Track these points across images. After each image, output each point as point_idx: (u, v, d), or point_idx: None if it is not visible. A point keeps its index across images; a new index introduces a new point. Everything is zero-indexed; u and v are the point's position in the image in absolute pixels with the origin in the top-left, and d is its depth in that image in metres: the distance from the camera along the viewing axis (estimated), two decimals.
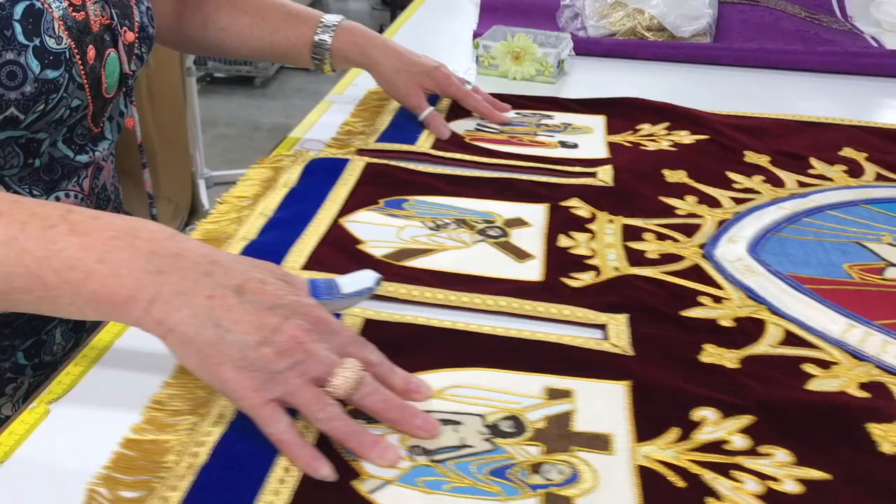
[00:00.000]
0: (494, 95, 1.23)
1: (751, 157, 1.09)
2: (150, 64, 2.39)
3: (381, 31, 1.37)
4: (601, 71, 1.46)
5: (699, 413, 0.63)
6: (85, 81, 0.75)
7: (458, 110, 1.19)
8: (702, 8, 1.56)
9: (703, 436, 0.61)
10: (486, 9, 1.77)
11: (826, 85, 1.42)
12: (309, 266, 0.78)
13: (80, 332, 0.88)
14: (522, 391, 0.65)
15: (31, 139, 0.73)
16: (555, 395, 0.65)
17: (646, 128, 1.17)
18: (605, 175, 1.01)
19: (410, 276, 0.78)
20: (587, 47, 1.51)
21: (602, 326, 0.73)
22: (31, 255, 0.53)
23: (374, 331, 0.70)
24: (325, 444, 0.57)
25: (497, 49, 1.36)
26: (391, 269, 0.80)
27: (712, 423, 0.62)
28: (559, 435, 0.61)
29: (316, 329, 0.56)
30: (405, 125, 1.12)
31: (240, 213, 0.89)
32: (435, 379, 0.65)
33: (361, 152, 1.04)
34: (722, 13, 1.69)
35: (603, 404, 0.64)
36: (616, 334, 0.72)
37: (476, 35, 1.51)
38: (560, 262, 0.83)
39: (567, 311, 0.75)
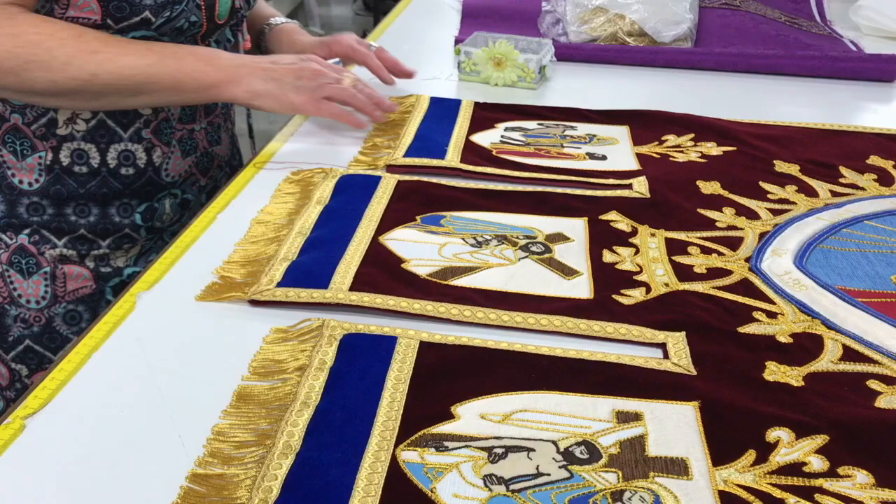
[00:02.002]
0: (478, 102, 1.24)
1: (780, 166, 1.08)
2: None
3: (363, 36, 1.37)
4: (583, 76, 1.45)
5: (773, 434, 0.62)
6: (202, 3, 0.98)
7: (480, 122, 1.17)
8: (682, 13, 1.55)
9: (780, 458, 0.60)
10: (468, 14, 1.75)
11: (806, 89, 1.42)
12: (355, 287, 0.76)
13: (185, 207, 1.08)
14: (590, 415, 0.63)
15: (158, 40, 0.96)
16: (624, 418, 0.63)
17: (671, 139, 1.16)
18: (640, 187, 1.00)
19: (459, 295, 0.77)
20: (568, 53, 1.50)
21: (660, 345, 0.72)
22: (171, 66, 0.94)
23: (430, 353, 0.68)
24: (400, 478, 0.56)
25: (478, 55, 1.35)
26: (438, 288, 0.78)
27: (787, 445, 0.61)
28: (635, 460, 0.59)
29: (322, 65, 1.04)
30: (430, 137, 1.10)
31: (277, 232, 0.86)
32: (500, 403, 0.64)
33: (391, 168, 1.02)
34: (702, 18, 1.68)
35: (674, 427, 0.62)
36: (676, 353, 0.71)
37: (458, 41, 1.50)
38: (608, 278, 0.81)
39: (623, 329, 0.73)
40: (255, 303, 0.75)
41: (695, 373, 0.68)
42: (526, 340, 0.72)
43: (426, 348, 0.69)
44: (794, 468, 0.59)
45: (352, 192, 0.95)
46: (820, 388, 0.68)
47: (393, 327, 0.71)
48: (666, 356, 0.70)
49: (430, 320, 0.74)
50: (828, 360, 0.71)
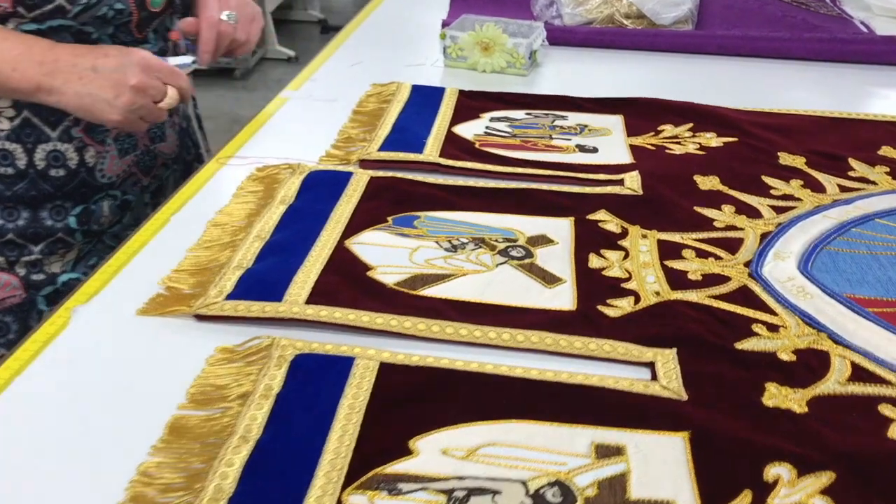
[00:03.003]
0: (465, 89, 1.16)
1: (785, 158, 1.00)
2: None
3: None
4: (577, 61, 1.36)
5: (772, 471, 0.55)
6: None
7: (464, 112, 1.10)
8: None
9: (779, 500, 0.53)
10: None
11: (814, 73, 1.34)
12: (313, 299, 0.69)
13: (126, 209, 1.00)
14: (567, 448, 0.56)
15: (81, 31, 0.89)
16: (604, 452, 0.56)
17: (668, 129, 1.08)
18: (632, 182, 0.92)
19: (428, 307, 0.70)
20: (562, 36, 1.42)
21: (649, 364, 0.65)
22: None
23: (390, 377, 0.61)
24: None
25: (465, 40, 1.27)
26: (406, 299, 0.71)
27: (788, 484, 0.54)
28: None
29: (146, 71, 0.85)
30: (409, 129, 1.03)
31: (234, 236, 0.79)
32: (466, 436, 0.57)
33: (364, 163, 0.94)
34: None
35: (660, 463, 0.55)
36: (666, 373, 0.64)
37: (445, 24, 1.40)
38: (593, 286, 0.74)
39: (608, 346, 0.66)
40: (201, 318, 0.68)
41: (685, 397, 0.61)
42: (499, 359, 0.65)
43: (386, 371, 0.62)
44: None
45: (319, 190, 0.88)
46: (825, 414, 0.61)
47: (351, 346, 0.64)
48: (654, 377, 0.63)
49: (395, 336, 0.67)
50: (834, 381, 0.64)
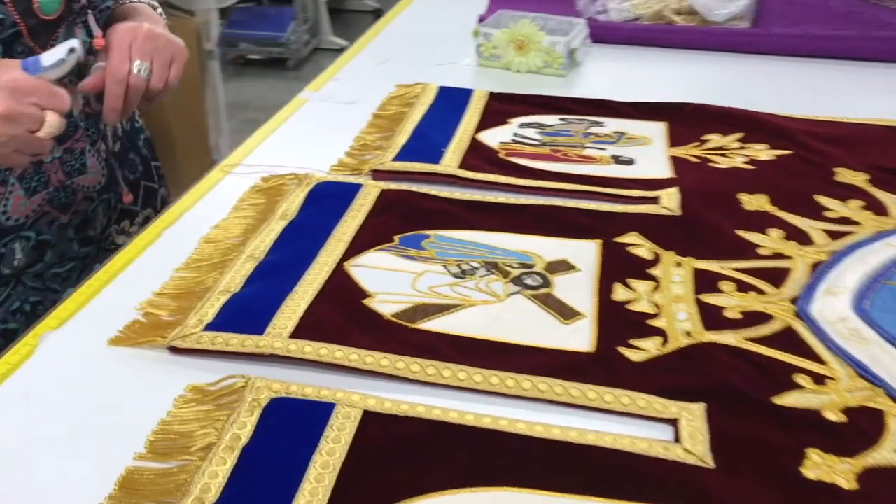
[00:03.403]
0: (493, 92, 1.06)
1: (844, 175, 0.90)
2: None
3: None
4: (621, 61, 1.26)
5: None
6: None
7: (491, 116, 1.02)
8: None
9: None
10: None
11: (885, 76, 1.21)
12: (299, 333, 0.62)
13: (47, 247, 0.87)
14: None
15: None
16: None
17: (714, 139, 0.99)
18: (669, 201, 0.83)
19: (425, 344, 0.62)
20: (606, 34, 1.31)
21: (672, 421, 0.57)
22: None
23: (373, 428, 0.54)
24: None
25: (498, 37, 1.18)
26: (401, 333, 0.64)
27: None
28: None
29: (15, 96, 0.68)
30: (429, 136, 0.96)
31: (225, 255, 0.73)
32: None
33: (377, 174, 0.87)
34: None
35: None
36: (690, 433, 0.55)
37: (481, 20, 1.31)
38: (616, 322, 0.66)
39: (626, 398, 0.58)
40: (175, 350, 0.62)
41: (712, 465, 0.53)
42: (501, 409, 0.57)
43: (369, 421, 0.55)
44: None
45: (324, 204, 0.81)
46: (879, 491, 0.52)
47: (334, 390, 0.58)
48: (677, 438, 0.55)
49: (387, 378, 0.60)
50: (890, 449, 0.55)
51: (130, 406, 0.57)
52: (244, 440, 0.53)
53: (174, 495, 0.50)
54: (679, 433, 0.55)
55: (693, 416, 0.57)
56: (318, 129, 1.00)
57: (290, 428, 0.54)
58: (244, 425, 0.54)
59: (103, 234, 0.92)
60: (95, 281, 0.70)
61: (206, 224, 0.78)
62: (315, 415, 0.55)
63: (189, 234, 0.76)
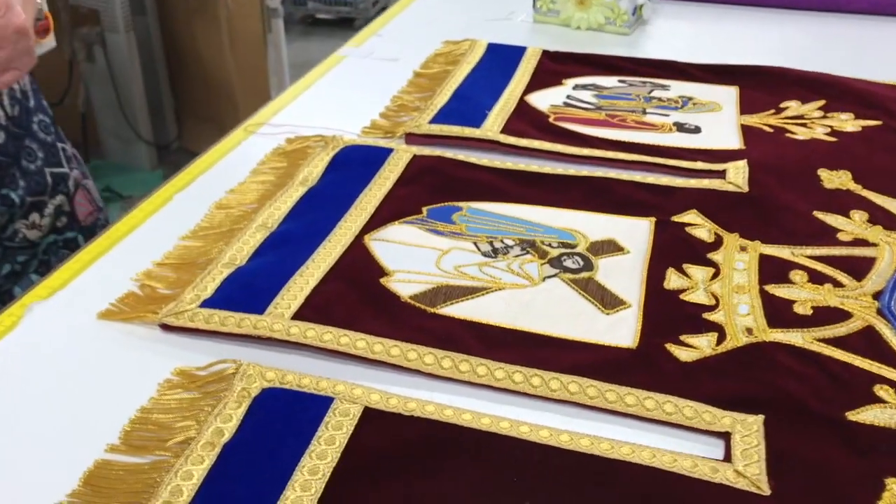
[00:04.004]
0: (547, 51, 0.97)
1: None
2: (229, 6, 2.22)
3: None
4: (692, 18, 1.15)
5: None
6: None
7: (544, 77, 0.93)
8: None
9: None
10: None
11: None
12: (304, 314, 0.56)
13: None
14: None
15: None
16: None
17: (792, 106, 0.88)
18: (736, 176, 0.74)
19: (443, 332, 0.55)
20: None
21: (723, 435, 0.48)
22: None
23: (372, 430, 0.48)
24: None
25: None
26: (419, 318, 0.57)
27: None
28: None
29: None
30: (471, 97, 0.88)
31: (236, 224, 0.67)
32: None
33: (410, 138, 0.80)
34: None
35: None
36: (744, 452, 0.47)
37: None
38: (666, 314, 0.58)
39: (670, 405, 0.50)
40: (167, 328, 0.56)
41: (767, 491, 0.45)
42: (523, 413, 0.50)
43: (369, 421, 0.48)
44: None
45: (349, 170, 0.74)
46: None
47: (334, 381, 0.51)
48: (728, 456, 0.47)
49: (396, 370, 0.53)
50: None
51: (113, 389, 0.52)
52: (227, 436, 0.47)
53: (140, 497, 0.44)
54: (730, 451, 0.47)
55: (748, 431, 0.48)
56: (354, 88, 0.93)
57: (279, 424, 0.48)
58: (229, 418, 0.48)
59: (3, 234, 0.81)
60: (93, 248, 0.64)
61: (221, 189, 0.72)
62: (309, 410, 0.49)
63: (202, 200, 0.70)
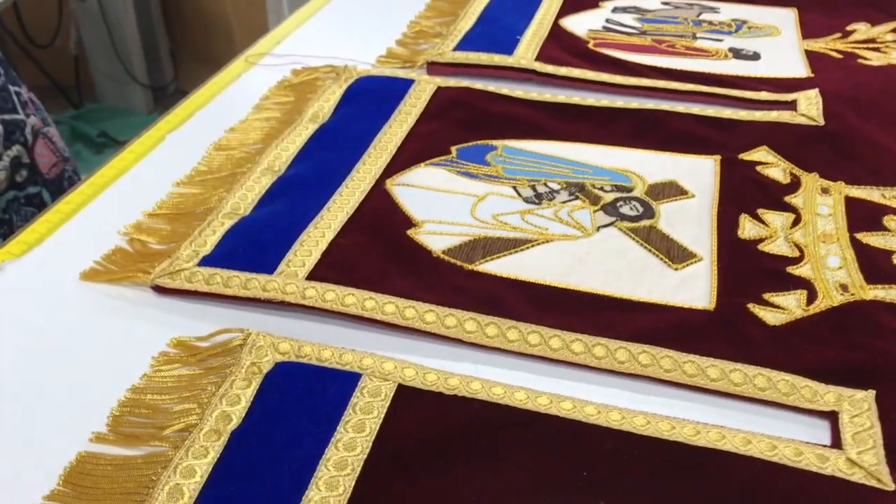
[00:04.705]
0: None
1: None
2: None
3: None
4: None
5: None
6: None
7: None
8: None
9: None
10: None
11: None
12: (320, 272, 0.48)
13: None
14: None
15: None
16: None
17: (861, 29, 0.78)
18: (809, 107, 0.65)
19: (484, 293, 0.47)
20: None
21: (829, 414, 0.40)
22: None
23: (407, 412, 0.40)
24: None
25: None
26: (456, 277, 0.48)
27: None
28: None
29: None
30: (500, 21, 0.78)
31: (238, 167, 0.58)
32: None
33: (432, 67, 0.71)
34: None
35: None
36: (856, 437, 0.39)
37: None
38: (744, 269, 0.49)
39: (761, 379, 0.42)
40: (161, 290, 0.48)
41: (891, 486, 0.37)
42: (585, 391, 0.42)
43: (404, 402, 0.40)
44: None
45: (365, 104, 0.65)
46: None
47: (360, 354, 0.43)
48: (836, 442, 0.39)
49: (431, 338, 0.45)
50: None
51: (97, 364, 0.44)
52: (234, 422, 0.39)
53: (132, 499, 0.36)
54: (840, 433, 0.39)
55: (858, 410, 0.40)
56: (366, 13, 0.83)
57: (298, 406, 0.40)
58: (237, 400, 0.40)
59: None
60: (74, 196, 0.56)
61: (219, 127, 0.63)
62: (331, 389, 0.41)
63: (199, 141, 0.61)
